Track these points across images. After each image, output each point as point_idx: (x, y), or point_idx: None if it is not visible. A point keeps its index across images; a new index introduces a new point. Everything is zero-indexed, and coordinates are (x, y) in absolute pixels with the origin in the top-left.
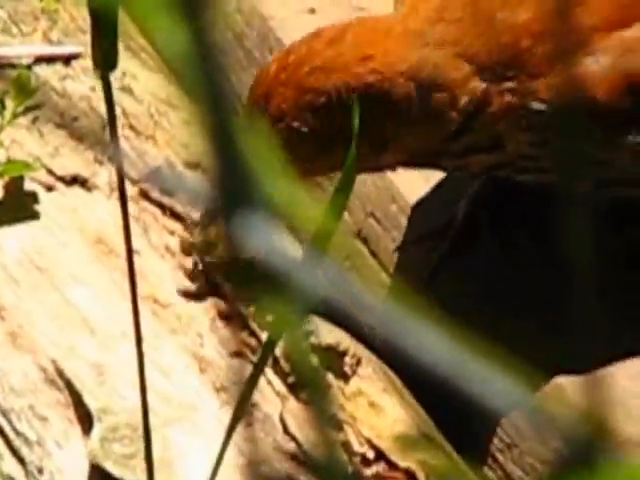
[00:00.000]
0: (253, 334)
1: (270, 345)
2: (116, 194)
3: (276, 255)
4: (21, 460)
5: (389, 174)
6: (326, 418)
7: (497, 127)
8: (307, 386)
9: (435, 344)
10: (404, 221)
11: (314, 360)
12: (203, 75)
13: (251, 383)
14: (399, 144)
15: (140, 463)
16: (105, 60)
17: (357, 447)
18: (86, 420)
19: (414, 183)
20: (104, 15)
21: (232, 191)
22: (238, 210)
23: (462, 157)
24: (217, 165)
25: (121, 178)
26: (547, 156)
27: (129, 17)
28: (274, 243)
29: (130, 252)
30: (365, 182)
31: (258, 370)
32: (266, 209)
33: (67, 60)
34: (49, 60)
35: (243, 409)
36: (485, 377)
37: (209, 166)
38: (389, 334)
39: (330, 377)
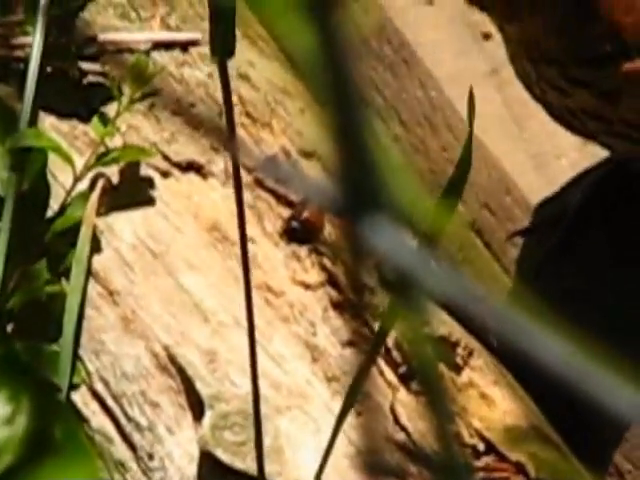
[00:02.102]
0: (366, 324)
1: (382, 335)
2: (231, 182)
3: (406, 255)
4: (132, 445)
5: (504, 165)
6: (440, 409)
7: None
8: (421, 377)
9: (553, 345)
10: (518, 213)
11: (429, 351)
12: (333, 76)
13: (362, 373)
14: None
15: (250, 451)
16: (222, 47)
17: (467, 439)
18: (197, 407)
19: (528, 174)
20: (222, 2)
21: (359, 191)
22: (366, 211)
23: (570, 84)
24: (344, 165)
25: (236, 166)
26: None
27: (257, 19)
28: (404, 243)
29: (244, 239)
30: (480, 173)
31: (370, 360)
32: (394, 210)
33: (185, 47)
34: (167, 46)
35: (354, 399)
36: (608, 382)
37: (335, 165)
38: (503, 330)
39: (442, 368)
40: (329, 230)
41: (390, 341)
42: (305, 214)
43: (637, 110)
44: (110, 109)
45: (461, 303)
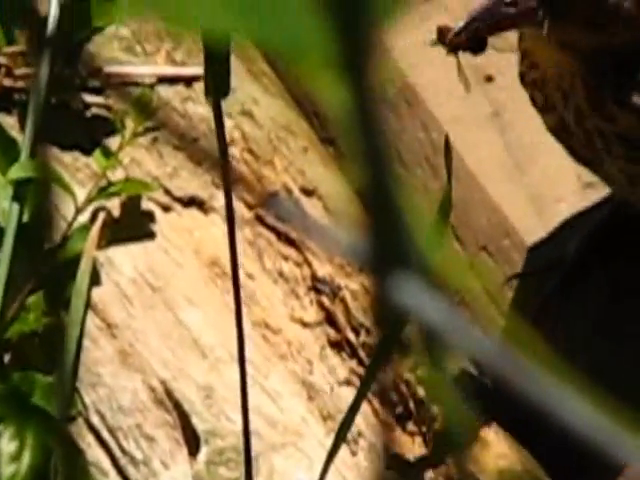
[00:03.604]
0: (362, 363)
1: (372, 373)
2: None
3: (435, 313)
4: (126, 479)
5: (503, 209)
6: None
7: None
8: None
9: (553, 390)
10: (516, 256)
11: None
12: (364, 134)
13: (353, 410)
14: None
15: None
16: (217, 87)
17: None
18: (193, 442)
19: (528, 218)
20: (217, 41)
21: (387, 249)
22: (392, 268)
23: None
24: (372, 222)
25: (230, 203)
26: None
27: (297, 73)
28: (429, 302)
29: (236, 275)
30: (479, 216)
31: (360, 397)
32: (422, 269)
33: (189, 82)
34: (171, 81)
35: (345, 435)
36: (607, 425)
37: (365, 222)
38: (501, 373)
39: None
40: (329, 271)
41: (387, 381)
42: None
43: None
44: (113, 142)
45: (490, 363)
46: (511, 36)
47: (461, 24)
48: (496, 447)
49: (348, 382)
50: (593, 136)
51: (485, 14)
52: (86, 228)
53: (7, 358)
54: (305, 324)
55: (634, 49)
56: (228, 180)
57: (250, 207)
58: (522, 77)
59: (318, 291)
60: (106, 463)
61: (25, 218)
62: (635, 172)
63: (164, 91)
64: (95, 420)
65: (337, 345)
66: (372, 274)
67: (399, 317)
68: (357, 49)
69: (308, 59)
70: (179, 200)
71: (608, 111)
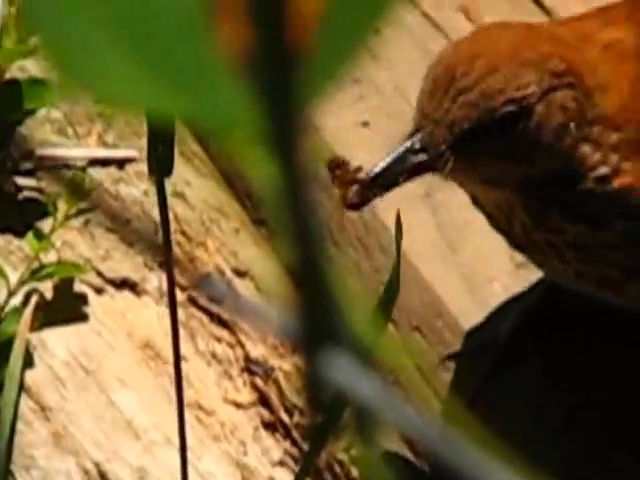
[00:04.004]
0: (296, 444)
1: (310, 455)
2: (165, 299)
3: (365, 390)
4: None
5: (436, 288)
6: None
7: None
8: None
9: (488, 470)
10: (450, 337)
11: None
12: (294, 210)
13: None
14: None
15: None
16: (161, 166)
17: None
18: None
19: (461, 298)
20: (161, 124)
21: (318, 327)
22: (323, 345)
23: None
24: (302, 299)
25: (172, 284)
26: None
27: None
28: (361, 380)
29: (178, 358)
30: (412, 296)
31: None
32: (354, 346)
33: (121, 163)
34: (103, 163)
35: None
36: None
37: (294, 299)
38: (435, 452)
39: None
40: (262, 352)
41: (321, 462)
42: None
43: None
44: (45, 224)
45: (423, 441)
46: None
47: (375, 170)
48: None
49: (282, 463)
50: (542, 245)
51: (397, 163)
52: (19, 311)
53: None
54: (238, 405)
55: (568, 169)
56: (170, 261)
57: (183, 289)
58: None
59: (251, 372)
60: None
61: None
62: (584, 269)
63: (96, 173)
64: None
65: (271, 426)
66: (303, 352)
67: (333, 397)
68: (286, 127)
69: (237, 136)
70: (112, 282)
71: (554, 225)
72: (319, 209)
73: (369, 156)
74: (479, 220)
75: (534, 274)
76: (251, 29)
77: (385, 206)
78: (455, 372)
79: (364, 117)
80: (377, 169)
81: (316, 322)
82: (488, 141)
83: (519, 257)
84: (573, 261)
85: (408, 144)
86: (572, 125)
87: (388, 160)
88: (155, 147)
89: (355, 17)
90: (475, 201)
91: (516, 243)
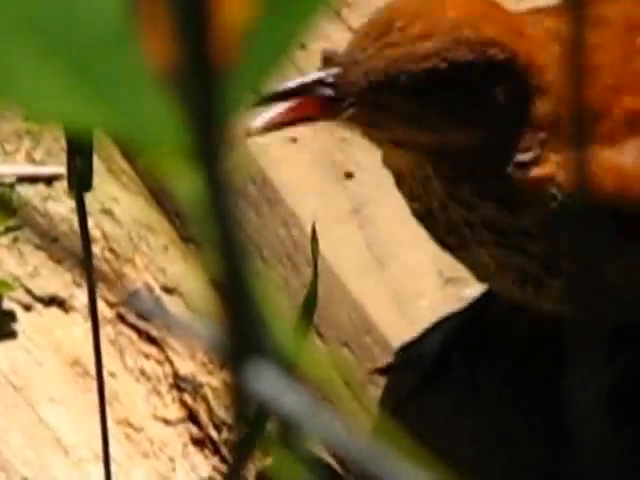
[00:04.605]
0: (224, 460)
1: (235, 468)
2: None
3: (290, 402)
4: None
5: (364, 304)
6: None
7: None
8: None
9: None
10: (378, 352)
11: None
12: (219, 223)
13: None
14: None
15: None
16: (80, 182)
17: None
18: None
19: (389, 314)
20: (80, 137)
21: (242, 339)
22: (248, 358)
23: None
24: (227, 313)
25: (93, 300)
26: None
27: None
28: (284, 391)
29: (101, 375)
30: (340, 312)
31: None
32: (279, 359)
33: (49, 181)
34: (31, 180)
35: None
36: None
37: (219, 313)
38: (360, 464)
39: None
40: (191, 369)
41: (251, 477)
42: None
43: (537, 220)
44: None
45: (346, 450)
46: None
47: (278, 89)
48: None
49: (210, 479)
50: (460, 225)
51: (303, 89)
52: None
53: None
54: (167, 422)
55: (486, 143)
56: (91, 277)
57: (111, 305)
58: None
59: (180, 389)
60: None
61: None
62: (505, 259)
63: (24, 190)
64: None
65: (199, 442)
66: (228, 364)
67: (259, 410)
68: (210, 140)
69: (161, 149)
70: (40, 299)
71: (467, 201)
72: (244, 222)
73: (296, 172)
74: (407, 236)
75: (462, 290)
76: (175, 42)
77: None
78: (383, 387)
79: (292, 133)
80: (281, 88)
81: (241, 335)
82: (398, 101)
83: (447, 273)
84: (492, 247)
85: (322, 74)
86: (499, 109)
87: (294, 83)
88: (74, 163)
89: (279, 30)
90: (397, 182)
91: (440, 234)
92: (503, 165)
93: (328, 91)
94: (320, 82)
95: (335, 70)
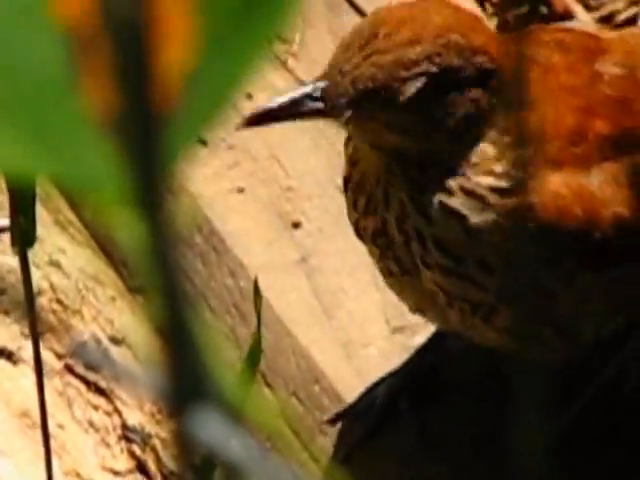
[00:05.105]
0: None
1: None
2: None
3: (233, 450)
4: None
5: (312, 354)
6: None
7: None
8: None
9: None
10: (327, 402)
11: None
12: (161, 270)
13: None
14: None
15: None
16: (22, 236)
17: None
18: None
19: (338, 363)
20: (23, 188)
21: (186, 386)
22: (192, 405)
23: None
24: (171, 360)
25: (37, 352)
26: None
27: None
28: (230, 438)
29: (45, 426)
30: (289, 362)
31: None
32: (221, 404)
33: None
34: None
35: None
36: None
37: (163, 360)
38: None
39: None
40: (139, 420)
41: None
42: None
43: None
44: None
45: None
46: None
47: (264, 107)
48: None
49: None
50: (411, 240)
51: (290, 106)
52: None
53: None
54: (116, 473)
55: (451, 154)
56: (35, 330)
57: (59, 357)
58: (346, 183)
59: (129, 440)
60: None
61: None
62: (451, 288)
63: None
64: None
65: None
66: (173, 411)
67: (206, 459)
68: (151, 186)
69: (103, 196)
70: None
71: (424, 208)
72: (191, 272)
73: (244, 222)
74: (354, 285)
75: (410, 338)
76: (116, 90)
77: (261, 273)
78: (332, 436)
79: (239, 183)
80: (271, 104)
81: (185, 382)
82: (386, 107)
83: (395, 321)
84: (438, 270)
85: (308, 89)
86: (475, 122)
87: (284, 99)
88: (16, 217)
89: (221, 75)
90: (357, 185)
91: (387, 256)
92: (468, 182)
93: (318, 104)
94: (309, 96)
95: (322, 83)
